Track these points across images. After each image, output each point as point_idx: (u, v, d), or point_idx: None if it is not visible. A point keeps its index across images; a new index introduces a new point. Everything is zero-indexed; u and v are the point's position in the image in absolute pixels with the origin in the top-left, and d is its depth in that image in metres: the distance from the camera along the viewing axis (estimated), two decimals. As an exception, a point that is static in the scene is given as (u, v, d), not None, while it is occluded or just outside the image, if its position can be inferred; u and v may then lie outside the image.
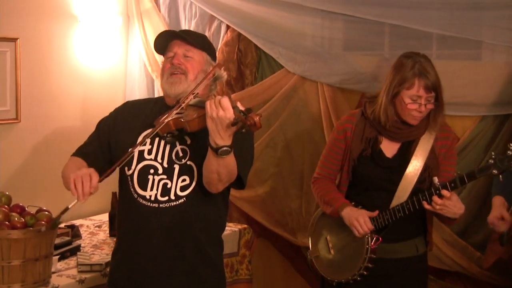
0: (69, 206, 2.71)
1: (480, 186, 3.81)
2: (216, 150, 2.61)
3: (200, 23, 4.69)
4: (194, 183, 2.90)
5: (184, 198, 2.89)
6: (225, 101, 2.52)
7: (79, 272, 3.40)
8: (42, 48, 4.37)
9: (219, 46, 4.57)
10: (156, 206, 2.89)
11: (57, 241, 3.51)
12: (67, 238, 3.77)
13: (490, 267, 3.61)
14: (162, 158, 2.92)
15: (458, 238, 3.96)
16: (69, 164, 3.02)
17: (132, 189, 2.90)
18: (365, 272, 3.29)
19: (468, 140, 3.85)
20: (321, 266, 3.51)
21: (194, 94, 2.79)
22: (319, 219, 3.59)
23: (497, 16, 3.77)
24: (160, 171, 2.91)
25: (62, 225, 3.87)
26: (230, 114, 2.51)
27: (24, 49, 4.22)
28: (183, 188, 2.89)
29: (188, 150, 2.91)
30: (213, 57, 3.04)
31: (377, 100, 3.34)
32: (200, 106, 2.70)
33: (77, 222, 4.27)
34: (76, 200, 2.67)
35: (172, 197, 2.89)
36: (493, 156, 3.03)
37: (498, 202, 3.42)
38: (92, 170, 2.76)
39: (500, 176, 2.98)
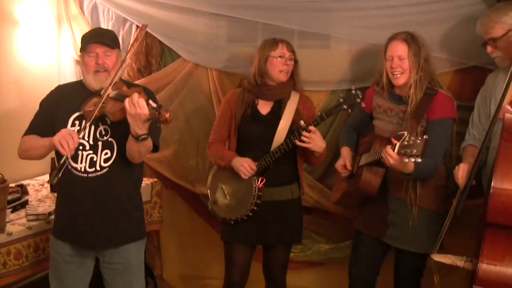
0: (61, 162, 2.86)
1: (332, 143, 4.14)
2: (137, 138, 2.81)
3: (116, 24, 4.89)
4: (114, 155, 3.09)
5: (107, 168, 3.10)
6: (141, 101, 2.67)
7: (28, 221, 3.62)
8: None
9: (131, 42, 4.63)
10: (86, 176, 3.09)
11: (10, 197, 3.68)
12: (17, 195, 3.98)
13: (338, 201, 3.94)
14: (88, 137, 3.08)
15: (316, 182, 4.40)
16: (28, 140, 3.12)
17: (67, 162, 3.05)
18: (255, 208, 3.54)
19: (322, 108, 4.16)
20: (220, 211, 3.74)
21: (113, 86, 2.94)
22: (214, 175, 3.84)
23: (340, 17, 4.22)
24: (88, 147, 3.08)
25: (12, 185, 3.98)
26: (145, 111, 2.68)
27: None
28: (106, 160, 3.10)
29: (109, 129, 3.10)
30: (119, 48, 3.18)
31: (251, 71, 3.70)
32: (119, 99, 2.83)
33: (24, 182, 4.41)
34: (65, 156, 2.83)
35: (98, 168, 3.08)
36: (341, 96, 3.36)
37: (345, 152, 3.80)
38: (69, 129, 2.90)
39: (349, 109, 3.33)
